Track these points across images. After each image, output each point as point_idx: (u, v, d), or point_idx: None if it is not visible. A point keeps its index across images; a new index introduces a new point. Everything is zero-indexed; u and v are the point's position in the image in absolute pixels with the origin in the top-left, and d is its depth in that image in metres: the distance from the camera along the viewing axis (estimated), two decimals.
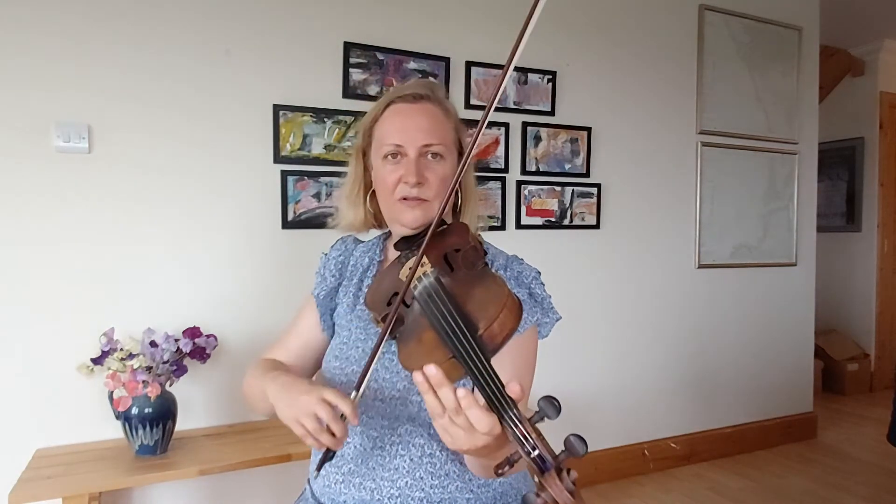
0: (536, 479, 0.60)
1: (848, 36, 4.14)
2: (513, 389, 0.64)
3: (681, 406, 2.96)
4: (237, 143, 2.03)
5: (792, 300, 3.29)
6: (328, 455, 0.84)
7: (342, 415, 0.80)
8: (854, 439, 3.35)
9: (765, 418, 3.21)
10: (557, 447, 0.61)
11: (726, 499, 2.61)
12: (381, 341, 0.83)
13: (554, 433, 0.67)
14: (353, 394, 0.83)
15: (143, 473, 1.62)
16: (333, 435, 0.79)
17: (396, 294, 0.83)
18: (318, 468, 0.88)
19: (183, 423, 1.86)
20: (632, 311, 2.81)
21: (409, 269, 0.83)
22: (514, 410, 0.63)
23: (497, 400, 0.64)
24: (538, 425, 0.63)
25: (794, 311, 3.30)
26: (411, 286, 0.82)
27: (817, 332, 3.54)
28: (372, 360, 0.84)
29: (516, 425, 0.62)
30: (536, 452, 0.60)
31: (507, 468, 0.62)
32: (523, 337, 0.91)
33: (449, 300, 0.76)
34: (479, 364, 0.67)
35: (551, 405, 0.61)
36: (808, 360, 3.38)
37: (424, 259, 0.84)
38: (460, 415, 0.64)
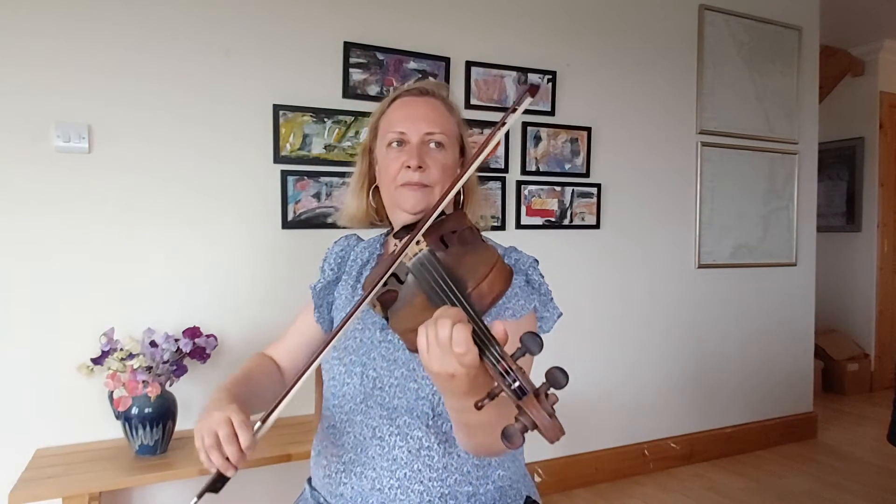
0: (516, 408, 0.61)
1: (848, 36, 4.14)
2: (497, 329, 0.67)
3: (681, 406, 2.96)
4: (237, 143, 2.03)
5: (792, 300, 3.29)
6: (215, 483, 0.81)
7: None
8: (854, 439, 3.35)
9: (765, 418, 3.21)
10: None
11: (726, 499, 2.61)
12: (363, 301, 0.82)
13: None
14: (259, 425, 0.82)
15: (143, 473, 1.62)
16: (227, 459, 0.79)
17: (394, 275, 0.84)
18: (199, 495, 0.82)
19: (183, 423, 1.86)
20: (632, 311, 2.81)
21: (405, 243, 0.84)
22: (497, 347, 0.65)
23: (480, 338, 0.66)
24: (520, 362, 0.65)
25: (794, 311, 3.30)
26: (407, 263, 0.83)
27: (817, 332, 3.54)
28: (343, 325, 0.82)
29: (498, 361, 0.64)
30: (517, 384, 0.61)
31: (487, 401, 0.63)
32: (520, 323, 0.93)
33: (441, 266, 0.78)
34: (465, 310, 0.70)
35: (534, 341, 0.63)
36: (808, 360, 3.37)
37: (420, 238, 0.85)
38: (446, 328, 0.65)
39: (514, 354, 0.63)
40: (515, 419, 0.59)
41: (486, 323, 0.68)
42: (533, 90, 0.82)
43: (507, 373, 0.62)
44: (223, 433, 0.79)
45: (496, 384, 0.63)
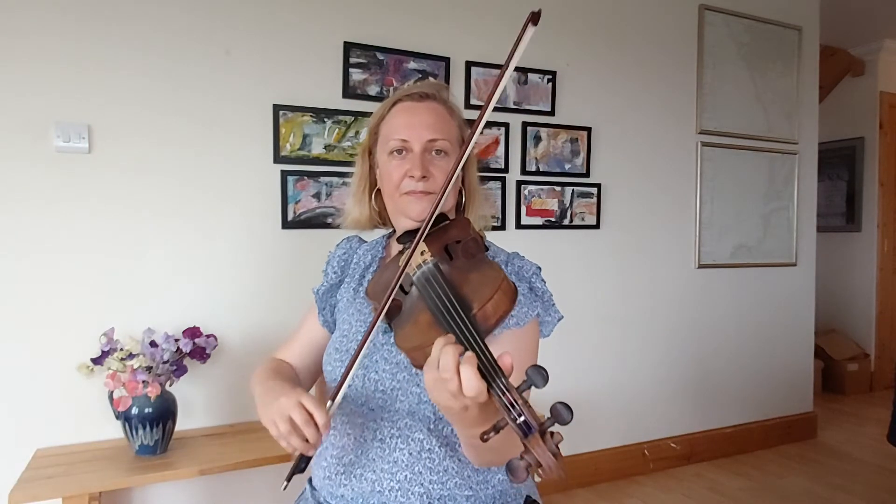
0: (521, 444, 0.61)
1: (848, 36, 4.14)
2: (504, 362, 0.66)
3: (681, 406, 2.96)
4: (237, 143, 2.03)
5: (792, 300, 3.29)
6: (299, 464, 0.85)
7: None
8: (854, 439, 3.35)
9: (765, 418, 3.21)
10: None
11: (726, 499, 2.61)
12: (375, 323, 0.83)
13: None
14: (329, 403, 0.85)
15: (143, 473, 1.62)
16: (306, 441, 0.81)
17: (399, 285, 0.84)
18: (288, 478, 0.87)
19: (183, 423, 1.86)
20: (632, 311, 2.81)
21: (408, 254, 0.84)
22: (503, 379, 0.65)
23: (487, 370, 0.66)
24: (525, 394, 0.64)
25: (794, 311, 3.30)
26: (412, 274, 0.83)
27: (817, 332, 3.54)
28: (358, 353, 0.85)
29: (504, 393, 0.64)
30: (522, 419, 0.61)
31: (492, 434, 0.63)
32: (524, 330, 0.92)
33: (446, 283, 0.78)
34: (471, 339, 0.69)
35: (539, 374, 0.63)
36: (808, 360, 3.38)
37: (426, 248, 0.85)
38: (453, 380, 0.65)
39: (520, 387, 0.63)
40: (521, 456, 0.59)
41: (492, 353, 0.67)
42: (535, 17, 0.78)
43: (513, 406, 0.62)
44: (299, 417, 0.80)
45: (502, 417, 0.63)
